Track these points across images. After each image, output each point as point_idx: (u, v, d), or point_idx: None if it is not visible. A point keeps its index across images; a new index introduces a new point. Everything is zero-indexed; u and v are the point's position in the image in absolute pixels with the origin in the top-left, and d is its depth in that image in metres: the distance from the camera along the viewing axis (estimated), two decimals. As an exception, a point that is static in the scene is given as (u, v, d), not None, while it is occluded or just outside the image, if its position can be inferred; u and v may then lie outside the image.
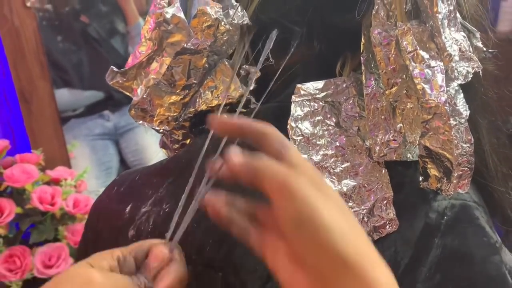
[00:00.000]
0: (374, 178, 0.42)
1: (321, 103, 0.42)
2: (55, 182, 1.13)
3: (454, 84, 0.40)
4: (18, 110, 1.23)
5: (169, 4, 0.42)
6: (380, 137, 0.41)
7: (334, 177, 0.41)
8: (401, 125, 0.42)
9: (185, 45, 0.42)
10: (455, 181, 0.40)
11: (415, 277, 0.39)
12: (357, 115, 0.43)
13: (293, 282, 0.28)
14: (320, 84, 0.42)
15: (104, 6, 1.73)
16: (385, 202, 0.41)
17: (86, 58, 1.68)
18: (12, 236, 1.05)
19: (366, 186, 0.41)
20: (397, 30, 0.39)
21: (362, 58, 0.42)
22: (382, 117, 0.42)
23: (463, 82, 0.40)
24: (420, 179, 0.42)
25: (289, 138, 0.41)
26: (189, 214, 0.38)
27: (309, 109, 0.42)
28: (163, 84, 0.45)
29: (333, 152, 0.41)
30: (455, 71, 0.40)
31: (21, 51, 1.20)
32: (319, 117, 0.42)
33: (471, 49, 0.41)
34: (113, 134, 1.75)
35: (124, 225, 0.45)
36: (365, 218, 0.41)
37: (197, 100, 0.46)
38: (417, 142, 0.41)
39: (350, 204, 0.41)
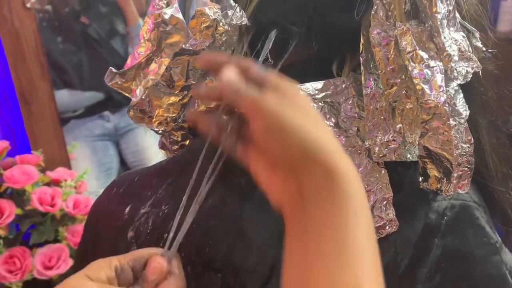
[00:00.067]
0: (373, 178, 0.41)
1: (320, 103, 0.42)
2: (55, 183, 1.13)
3: (454, 84, 0.40)
4: (18, 111, 1.23)
5: (168, 5, 0.42)
6: (379, 137, 0.41)
7: None
8: (400, 125, 0.42)
9: (183, 46, 0.42)
10: (455, 181, 0.40)
11: (415, 277, 0.39)
12: (356, 115, 0.42)
13: (271, 183, 0.33)
14: (319, 84, 0.42)
15: (104, 7, 1.72)
16: (384, 202, 0.41)
17: (86, 59, 1.68)
18: (12, 237, 1.05)
19: (366, 186, 0.41)
20: (396, 30, 0.39)
21: (361, 59, 0.42)
22: (382, 117, 0.41)
23: (462, 82, 0.40)
24: (420, 179, 0.42)
25: None
26: (188, 219, 0.38)
27: None
28: (161, 85, 0.45)
29: None
30: (455, 71, 0.40)
31: (21, 52, 1.20)
32: None
33: (470, 49, 0.41)
34: (113, 135, 1.75)
35: (123, 226, 0.45)
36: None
37: (196, 101, 0.46)
38: (417, 142, 0.41)
39: None
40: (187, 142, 0.51)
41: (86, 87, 1.67)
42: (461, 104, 0.40)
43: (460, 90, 0.40)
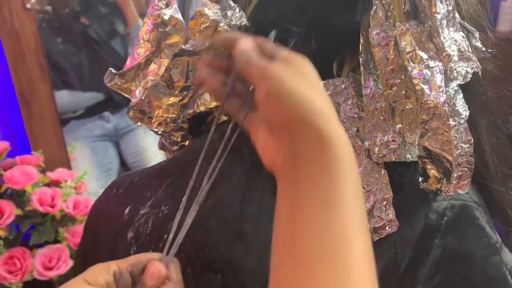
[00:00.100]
0: (373, 179, 0.41)
1: None
2: (55, 183, 1.13)
3: (453, 84, 0.40)
4: (18, 112, 1.23)
5: (167, 5, 0.42)
6: (379, 138, 0.41)
7: None
8: (400, 125, 0.42)
9: (183, 47, 0.42)
10: (454, 181, 0.40)
11: (415, 278, 0.39)
12: (356, 116, 0.42)
13: (267, 144, 0.35)
14: None
15: (103, 8, 1.72)
16: (384, 203, 0.41)
17: (86, 59, 1.68)
18: (12, 238, 1.05)
19: (366, 187, 0.41)
20: (395, 31, 0.39)
21: (360, 59, 0.42)
22: (381, 118, 0.41)
23: (462, 82, 0.40)
24: (420, 179, 0.42)
25: None
26: (187, 220, 0.37)
27: None
28: (161, 86, 0.45)
29: None
30: (454, 71, 0.40)
31: (21, 53, 1.20)
32: None
33: (470, 49, 0.41)
34: (113, 135, 1.75)
35: (123, 227, 0.45)
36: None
37: (196, 101, 0.46)
38: (417, 142, 0.41)
39: None
40: (187, 142, 0.51)
41: (86, 88, 1.67)
42: (460, 104, 0.40)
43: (460, 90, 0.40)
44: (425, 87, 0.38)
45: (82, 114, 1.70)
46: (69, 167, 1.31)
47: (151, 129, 0.48)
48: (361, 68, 0.41)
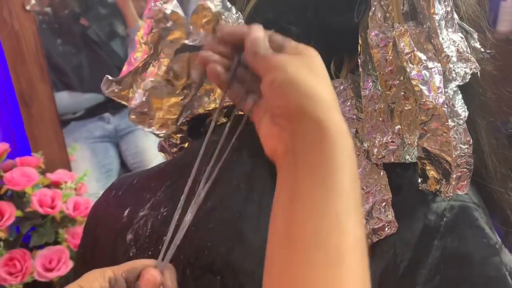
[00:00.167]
0: (372, 180, 0.41)
1: None
2: (55, 185, 1.13)
3: (452, 85, 0.40)
4: (18, 113, 1.23)
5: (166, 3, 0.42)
6: (378, 139, 0.41)
7: None
8: (399, 127, 0.42)
9: (184, 42, 0.42)
10: (454, 182, 0.40)
11: (414, 279, 0.39)
12: (355, 117, 0.42)
13: (269, 133, 0.35)
14: None
15: (103, 9, 1.72)
16: (383, 204, 0.41)
17: (86, 60, 1.68)
18: (13, 239, 1.05)
19: (365, 188, 0.41)
20: (394, 32, 0.39)
21: (359, 60, 0.42)
22: (380, 119, 0.41)
23: (461, 83, 0.40)
24: (419, 180, 0.42)
25: None
26: (185, 222, 0.37)
27: None
28: (163, 85, 0.44)
29: None
30: (453, 72, 0.40)
31: (21, 54, 1.20)
32: None
33: (468, 50, 0.41)
34: (114, 136, 1.75)
35: (122, 229, 0.45)
36: (363, 220, 0.40)
37: (195, 103, 0.46)
38: (416, 143, 0.41)
39: None
40: (186, 145, 0.51)
41: (86, 89, 1.67)
42: (459, 105, 0.40)
43: (459, 91, 0.40)
44: (424, 88, 0.38)
45: (82, 115, 1.70)
46: (69, 168, 1.30)
47: (152, 132, 0.48)
48: (360, 69, 0.41)
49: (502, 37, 1.71)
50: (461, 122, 0.39)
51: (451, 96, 0.40)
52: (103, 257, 0.46)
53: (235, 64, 0.37)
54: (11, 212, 1.02)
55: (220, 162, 0.39)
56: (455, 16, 0.41)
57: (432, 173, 0.41)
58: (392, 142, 0.42)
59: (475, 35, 0.44)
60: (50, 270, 1.02)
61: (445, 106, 0.38)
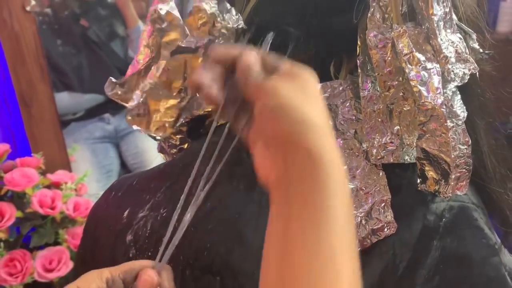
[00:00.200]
0: (371, 181, 0.41)
1: None
2: (56, 185, 1.13)
3: (451, 86, 0.40)
4: (18, 114, 1.24)
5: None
6: (377, 139, 0.41)
7: None
8: (398, 127, 0.42)
9: (180, 44, 0.42)
10: (453, 183, 0.40)
11: (414, 279, 0.39)
12: (354, 118, 0.42)
13: (263, 160, 0.34)
14: None
15: (103, 10, 1.73)
16: (383, 204, 0.41)
17: (86, 61, 1.68)
18: (13, 240, 1.05)
19: (364, 189, 0.41)
20: (393, 33, 0.39)
21: (358, 61, 0.42)
22: (379, 119, 0.41)
23: (459, 84, 0.40)
24: (418, 181, 0.42)
25: None
26: (184, 223, 0.37)
27: None
28: (159, 88, 0.45)
29: None
30: (452, 73, 0.40)
31: (21, 55, 1.20)
32: None
33: (467, 50, 0.41)
34: (114, 137, 1.75)
35: (122, 230, 0.45)
36: (363, 221, 0.40)
37: (194, 105, 0.46)
38: (414, 144, 0.41)
39: None
40: (186, 145, 0.51)
41: (86, 90, 1.67)
42: (458, 105, 0.40)
43: (458, 92, 0.40)
44: (422, 89, 0.38)
45: (82, 116, 1.70)
46: (69, 169, 1.31)
47: (149, 134, 0.48)
48: (359, 70, 0.41)
49: (502, 37, 1.71)
50: (460, 122, 0.40)
51: (450, 97, 0.40)
52: (103, 258, 0.47)
53: (228, 87, 0.36)
54: (11, 213, 1.02)
55: (221, 163, 0.39)
56: (454, 17, 0.41)
57: (431, 173, 0.41)
58: (391, 142, 0.42)
59: (474, 36, 0.44)
60: (50, 270, 1.02)
61: (444, 107, 0.38)
